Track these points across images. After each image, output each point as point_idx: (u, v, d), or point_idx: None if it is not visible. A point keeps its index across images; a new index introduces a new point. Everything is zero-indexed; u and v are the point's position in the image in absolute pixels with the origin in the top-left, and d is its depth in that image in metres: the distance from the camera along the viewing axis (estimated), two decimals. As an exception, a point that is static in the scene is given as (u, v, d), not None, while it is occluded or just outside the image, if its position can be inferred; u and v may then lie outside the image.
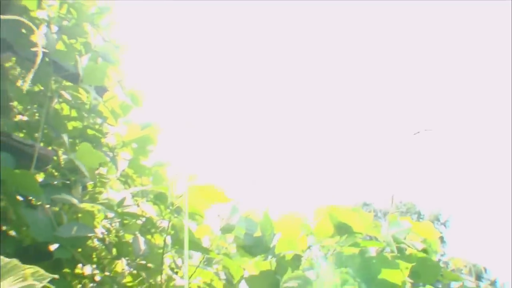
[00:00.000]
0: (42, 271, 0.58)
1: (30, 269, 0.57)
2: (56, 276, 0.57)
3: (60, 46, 1.99)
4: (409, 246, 1.87)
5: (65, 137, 1.71)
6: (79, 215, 1.83)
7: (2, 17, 1.20)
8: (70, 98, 2.17)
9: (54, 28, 2.22)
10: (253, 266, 1.78)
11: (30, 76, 1.36)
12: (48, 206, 1.65)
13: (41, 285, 0.55)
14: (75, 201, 1.54)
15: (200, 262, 1.72)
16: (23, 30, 1.86)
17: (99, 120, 2.21)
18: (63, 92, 2.20)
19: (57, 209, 1.74)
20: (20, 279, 0.54)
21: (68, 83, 2.28)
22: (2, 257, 0.58)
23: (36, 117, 2.20)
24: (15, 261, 0.58)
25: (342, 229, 1.48)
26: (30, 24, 1.20)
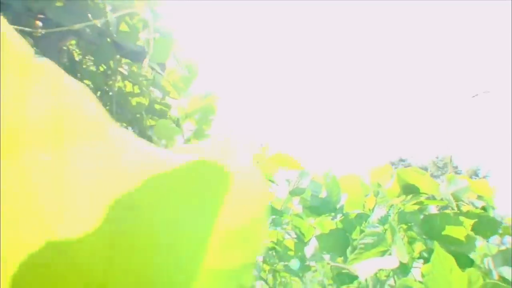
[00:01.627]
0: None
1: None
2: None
3: (123, 27, 2.08)
4: (467, 204, 1.93)
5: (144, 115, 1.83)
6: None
7: (113, 15, 1.29)
8: (131, 76, 2.27)
9: (108, 8, 2.30)
10: (318, 225, 1.90)
11: (146, 62, 1.46)
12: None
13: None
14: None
15: (269, 224, 1.85)
16: (89, 14, 1.95)
17: (159, 94, 2.32)
18: (123, 70, 2.31)
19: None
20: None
21: (126, 60, 2.39)
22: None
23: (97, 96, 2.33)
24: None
25: (409, 190, 1.55)
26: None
